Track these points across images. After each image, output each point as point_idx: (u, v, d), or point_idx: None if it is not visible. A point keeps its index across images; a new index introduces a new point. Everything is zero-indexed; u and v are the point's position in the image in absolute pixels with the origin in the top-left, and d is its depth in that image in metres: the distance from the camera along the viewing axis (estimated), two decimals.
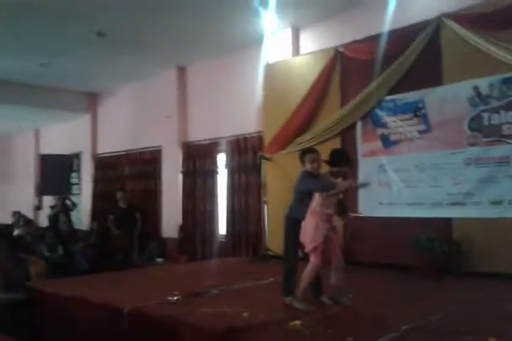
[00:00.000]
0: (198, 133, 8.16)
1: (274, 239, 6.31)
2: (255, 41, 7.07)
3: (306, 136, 6.25)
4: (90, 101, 10.46)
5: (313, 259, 3.50)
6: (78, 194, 10.65)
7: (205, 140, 8.01)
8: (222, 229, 7.68)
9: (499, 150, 4.82)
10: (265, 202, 6.54)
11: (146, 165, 9.06)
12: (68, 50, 7.60)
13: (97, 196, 10.05)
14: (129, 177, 9.36)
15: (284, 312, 3.38)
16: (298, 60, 6.65)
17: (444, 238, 4.91)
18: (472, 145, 5.02)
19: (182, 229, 8.23)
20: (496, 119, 4.87)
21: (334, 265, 3.52)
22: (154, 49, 7.63)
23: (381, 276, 4.81)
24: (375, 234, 5.30)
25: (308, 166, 3.66)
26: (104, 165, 10.03)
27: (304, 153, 3.81)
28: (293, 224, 3.67)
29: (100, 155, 10.23)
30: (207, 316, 3.22)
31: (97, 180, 10.16)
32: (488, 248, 4.73)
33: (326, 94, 6.17)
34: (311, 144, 6.09)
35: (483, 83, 4.96)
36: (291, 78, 6.52)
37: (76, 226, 9.65)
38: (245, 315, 3.26)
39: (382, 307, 3.49)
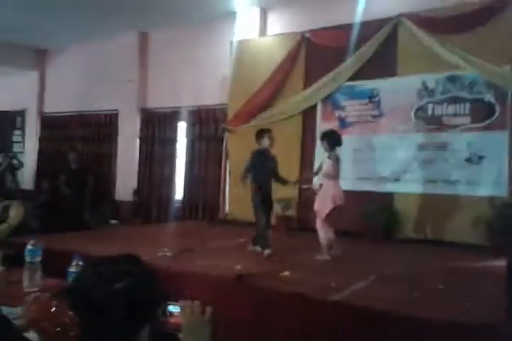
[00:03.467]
0: (158, 101, 8.38)
1: (235, 205, 6.90)
2: (222, 16, 7.40)
3: (269, 113, 6.81)
4: (38, 57, 10.12)
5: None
6: (21, 152, 10.41)
7: (165, 108, 8.26)
8: (178, 194, 8.11)
9: (438, 137, 5.73)
10: (230, 171, 7.05)
11: (100, 128, 9.13)
12: (18, 1, 7.21)
13: (44, 155, 9.96)
14: (80, 139, 9.38)
15: (269, 265, 4.00)
16: (266, 40, 7.11)
17: (387, 209, 5.79)
18: (417, 131, 5.88)
19: (137, 192, 8.53)
20: (438, 110, 5.75)
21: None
22: (115, 10, 7.51)
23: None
24: None
25: (266, 142, 4.67)
26: (52, 125, 9.90)
27: (263, 131, 4.77)
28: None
29: (48, 114, 10.06)
30: (208, 267, 3.77)
31: (43, 139, 10.03)
32: (421, 219, 5.67)
33: (290, 75, 6.73)
34: (273, 120, 6.68)
35: (430, 78, 5.80)
36: (258, 57, 6.97)
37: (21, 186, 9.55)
38: (238, 267, 3.84)
39: (348, 263, 4.28)
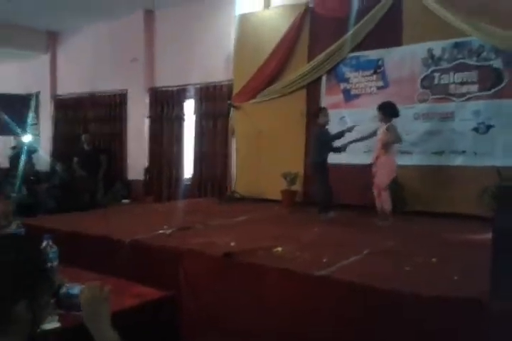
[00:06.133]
0: (166, 79, 8.34)
1: (241, 182, 6.90)
2: None
3: (274, 87, 6.70)
4: (50, 39, 10.16)
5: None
6: (37, 135, 10.59)
7: (172, 86, 8.23)
8: (188, 172, 8.16)
9: (445, 107, 5.54)
10: (236, 149, 7.02)
11: (110, 108, 9.19)
12: None
13: (58, 137, 10.11)
14: (92, 120, 9.48)
15: (264, 241, 4.00)
16: (269, 12, 6.93)
17: (393, 181, 5.68)
18: (422, 101, 5.70)
19: (148, 171, 8.62)
20: (444, 79, 5.55)
21: None
22: None
23: (340, 214, 5.48)
24: (335, 179, 5.97)
25: (323, 119, 5.21)
26: (65, 107, 10.02)
27: (322, 109, 5.38)
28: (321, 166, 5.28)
29: (60, 97, 10.16)
30: (202, 245, 3.80)
31: (57, 122, 10.18)
32: (426, 191, 5.56)
33: (294, 48, 6.58)
34: (278, 95, 6.59)
35: (436, 46, 5.58)
36: (262, 30, 6.82)
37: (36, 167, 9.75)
38: (233, 244, 3.86)
39: (347, 237, 4.26)
